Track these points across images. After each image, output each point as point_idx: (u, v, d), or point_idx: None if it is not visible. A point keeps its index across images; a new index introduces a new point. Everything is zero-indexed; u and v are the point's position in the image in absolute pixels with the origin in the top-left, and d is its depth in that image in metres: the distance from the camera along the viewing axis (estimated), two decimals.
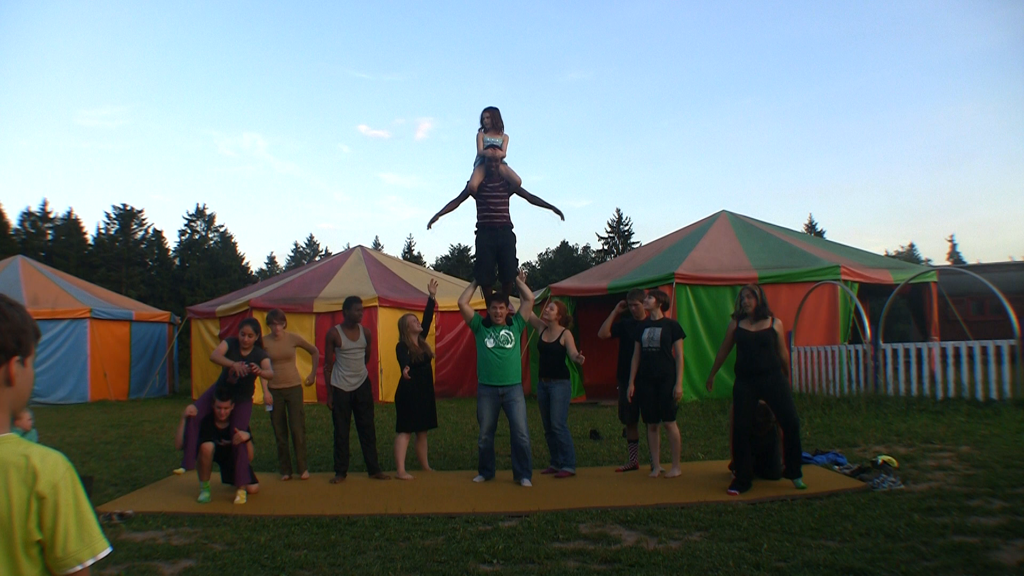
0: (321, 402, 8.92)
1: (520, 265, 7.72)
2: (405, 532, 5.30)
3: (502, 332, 7.23)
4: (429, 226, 7.80)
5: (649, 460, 7.52)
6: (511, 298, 8.04)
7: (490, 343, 7.21)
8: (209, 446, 6.60)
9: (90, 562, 1.49)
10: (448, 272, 42.06)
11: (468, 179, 7.65)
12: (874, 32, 76.33)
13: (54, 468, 1.49)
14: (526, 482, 6.93)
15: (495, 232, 7.59)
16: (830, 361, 12.37)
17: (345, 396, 7.52)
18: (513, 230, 7.68)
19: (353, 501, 6.39)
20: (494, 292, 7.63)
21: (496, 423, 7.28)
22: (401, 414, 7.69)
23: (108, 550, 1.53)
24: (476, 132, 7.67)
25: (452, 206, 7.71)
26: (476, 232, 7.70)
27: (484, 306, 7.66)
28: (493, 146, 7.52)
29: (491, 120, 7.63)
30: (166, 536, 5.35)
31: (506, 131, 7.66)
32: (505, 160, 7.62)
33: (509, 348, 7.20)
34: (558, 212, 7.74)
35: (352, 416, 7.57)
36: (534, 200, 7.79)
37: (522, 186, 7.68)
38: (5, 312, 1.53)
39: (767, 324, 6.51)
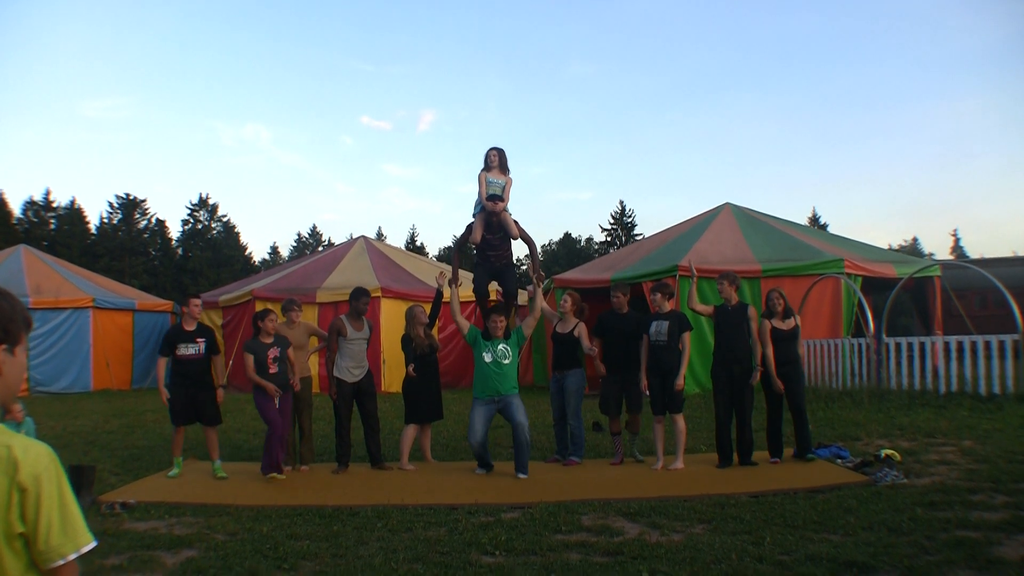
0: (323, 393, 8.90)
1: (537, 276, 7.56)
2: (407, 523, 5.30)
3: (500, 346, 7.15)
4: (452, 283, 7.61)
5: (631, 454, 7.74)
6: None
7: (488, 357, 7.12)
8: (182, 429, 7.31)
9: (73, 556, 1.46)
10: (451, 263, 41.99)
11: (470, 225, 7.36)
12: (879, 26, 75.93)
13: (36, 459, 1.45)
14: (521, 475, 6.97)
15: (491, 266, 7.47)
16: (833, 355, 12.37)
17: (348, 388, 7.50)
18: (514, 260, 7.62)
19: (355, 492, 6.41)
20: (492, 305, 7.54)
21: (487, 432, 7.16)
22: (409, 406, 7.69)
23: (92, 544, 1.49)
24: (479, 172, 7.35)
25: (459, 254, 7.83)
26: (476, 261, 7.62)
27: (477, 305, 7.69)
28: (495, 197, 7.17)
29: (498, 160, 7.33)
30: (168, 526, 5.37)
31: (511, 174, 7.38)
32: (507, 208, 7.29)
33: (507, 363, 7.13)
34: (535, 277, 7.50)
35: (355, 406, 7.57)
36: (532, 251, 7.64)
37: (520, 229, 7.40)
38: None
39: (792, 323, 7.55)
